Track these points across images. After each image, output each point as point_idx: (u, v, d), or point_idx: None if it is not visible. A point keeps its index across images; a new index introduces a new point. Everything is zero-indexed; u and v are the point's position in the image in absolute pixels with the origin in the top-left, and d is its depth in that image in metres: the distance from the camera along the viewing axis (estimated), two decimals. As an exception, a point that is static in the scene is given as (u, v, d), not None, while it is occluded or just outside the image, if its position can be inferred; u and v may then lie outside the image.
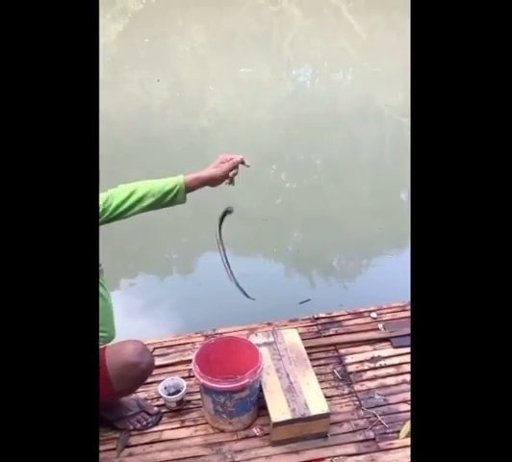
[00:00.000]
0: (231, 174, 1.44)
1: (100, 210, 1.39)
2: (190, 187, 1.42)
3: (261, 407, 1.74)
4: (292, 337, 1.94)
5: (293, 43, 8.53)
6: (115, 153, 4.66)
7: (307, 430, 1.64)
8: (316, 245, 3.48)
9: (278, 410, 1.65)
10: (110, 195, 1.40)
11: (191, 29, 9.33)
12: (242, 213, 3.86)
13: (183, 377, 1.86)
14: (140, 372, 1.59)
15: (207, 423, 1.75)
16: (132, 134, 5.05)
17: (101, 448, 1.68)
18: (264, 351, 1.82)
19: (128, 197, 1.39)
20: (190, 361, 1.90)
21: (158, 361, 1.88)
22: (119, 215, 1.40)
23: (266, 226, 3.74)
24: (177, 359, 2.00)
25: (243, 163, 1.46)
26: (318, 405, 1.65)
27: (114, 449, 1.67)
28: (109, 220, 1.40)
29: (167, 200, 1.42)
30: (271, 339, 1.93)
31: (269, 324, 2.18)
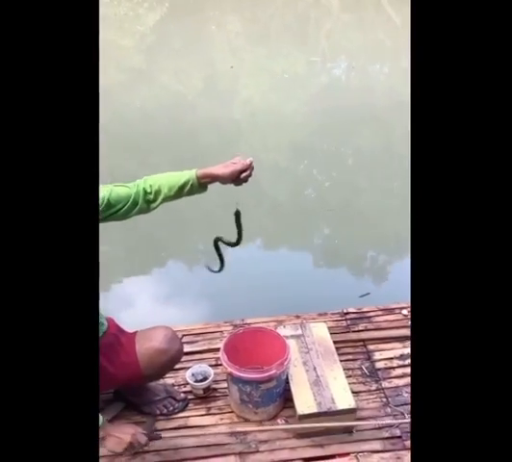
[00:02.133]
0: (243, 176, 1.44)
1: (131, 199, 1.44)
2: (201, 182, 1.45)
3: (287, 399, 1.74)
4: (320, 330, 1.93)
5: (329, 35, 8.44)
6: (147, 143, 4.71)
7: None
8: (346, 240, 3.45)
9: (304, 403, 1.64)
10: (137, 184, 1.46)
11: (227, 19, 9.31)
12: (272, 205, 3.87)
13: (210, 365, 1.87)
14: (169, 359, 1.61)
15: (232, 412, 1.76)
16: (165, 124, 5.09)
17: (128, 430, 1.71)
18: (291, 344, 1.82)
19: (151, 189, 1.45)
20: (217, 349, 1.91)
21: (186, 348, 1.90)
22: (147, 203, 1.46)
23: (295, 219, 3.72)
24: (205, 347, 2.02)
25: (251, 165, 1.45)
26: (344, 400, 1.64)
27: (140, 433, 1.69)
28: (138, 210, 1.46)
29: (185, 193, 1.46)
30: (299, 332, 1.92)
31: (298, 317, 2.17)
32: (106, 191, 1.43)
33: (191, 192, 1.47)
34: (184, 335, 2.07)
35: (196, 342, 2.06)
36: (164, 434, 1.69)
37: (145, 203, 1.48)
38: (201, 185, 1.46)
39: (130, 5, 9.82)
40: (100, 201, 1.40)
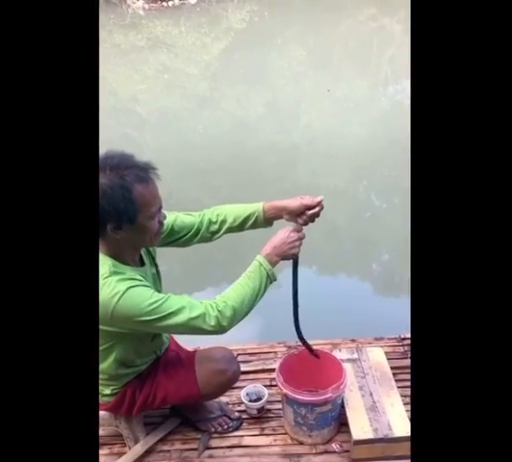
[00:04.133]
0: (309, 213, 1.41)
1: (194, 228, 1.52)
2: (267, 215, 1.46)
3: (342, 423, 1.72)
4: (377, 355, 1.90)
5: (391, 60, 8.43)
6: (208, 166, 4.86)
7: (389, 452, 1.59)
8: (405, 265, 3.39)
9: (360, 428, 1.61)
10: (203, 214, 1.53)
11: (289, 47, 9.53)
12: (329, 229, 3.87)
13: (264, 385, 1.88)
14: (227, 380, 1.62)
15: (286, 434, 1.75)
16: (226, 148, 5.23)
17: (184, 447, 1.74)
18: (347, 368, 1.80)
19: (217, 219, 1.51)
20: (271, 370, 1.92)
21: (241, 367, 1.92)
22: (210, 233, 1.53)
23: (353, 243, 3.70)
24: (259, 367, 2.03)
25: (320, 203, 1.42)
26: (402, 427, 1.60)
27: (195, 449, 1.72)
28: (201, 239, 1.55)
29: (249, 224, 1.49)
30: (356, 356, 1.90)
31: (353, 341, 2.14)
32: (171, 217, 1.49)
33: (255, 225, 1.48)
34: (238, 354, 2.09)
35: (251, 361, 2.07)
36: (217, 452, 1.71)
37: (208, 233, 1.52)
38: (267, 219, 1.46)
39: (198, 35, 10.28)
40: (164, 227, 1.46)
